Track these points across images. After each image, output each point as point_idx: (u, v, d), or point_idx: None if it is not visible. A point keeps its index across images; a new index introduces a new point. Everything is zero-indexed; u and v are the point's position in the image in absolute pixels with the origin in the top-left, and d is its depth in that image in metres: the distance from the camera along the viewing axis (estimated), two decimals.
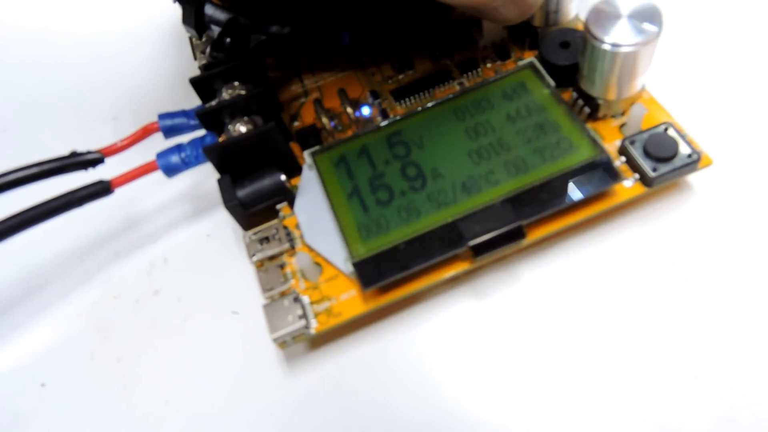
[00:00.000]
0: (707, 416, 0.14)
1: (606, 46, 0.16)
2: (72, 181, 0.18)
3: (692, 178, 0.18)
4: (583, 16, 0.20)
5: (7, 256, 0.19)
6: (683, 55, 0.21)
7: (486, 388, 0.16)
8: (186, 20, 0.21)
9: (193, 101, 0.20)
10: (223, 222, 0.20)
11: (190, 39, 0.23)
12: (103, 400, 0.18)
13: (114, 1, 0.29)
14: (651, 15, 0.15)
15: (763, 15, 0.21)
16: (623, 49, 0.15)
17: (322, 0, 0.19)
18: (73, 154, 0.18)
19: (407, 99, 0.20)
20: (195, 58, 0.22)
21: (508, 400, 0.16)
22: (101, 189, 0.18)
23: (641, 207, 0.18)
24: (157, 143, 0.19)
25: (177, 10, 0.21)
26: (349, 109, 0.20)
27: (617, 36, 0.16)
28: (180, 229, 0.21)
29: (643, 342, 0.16)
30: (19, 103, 0.26)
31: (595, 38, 0.16)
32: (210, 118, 0.18)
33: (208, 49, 0.22)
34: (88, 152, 0.18)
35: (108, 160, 0.19)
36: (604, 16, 0.16)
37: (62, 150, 0.19)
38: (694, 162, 0.16)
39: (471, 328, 0.17)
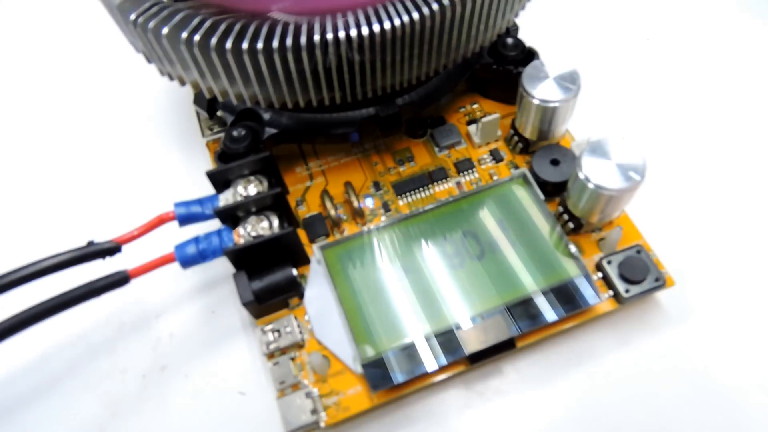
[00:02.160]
0: None
1: (592, 186, 0.18)
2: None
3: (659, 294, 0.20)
4: (573, 131, 0.23)
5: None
6: (654, 184, 0.23)
7: None
8: (198, 102, 0.22)
9: (195, 169, 0.21)
10: (227, 298, 0.22)
11: (198, 114, 0.23)
12: None
13: (113, 75, 0.28)
14: (637, 166, 0.18)
15: (721, 153, 0.24)
16: (609, 192, 0.18)
17: (339, 105, 0.20)
18: (90, 244, 0.19)
19: (408, 194, 0.22)
20: (203, 135, 0.23)
21: None
22: (120, 279, 0.19)
23: (612, 314, 0.20)
24: (169, 226, 0.20)
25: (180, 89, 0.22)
26: (354, 202, 0.21)
27: (605, 179, 0.18)
28: (185, 304, 0.22)
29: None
30: (22, 186, 0.25)
31: (587, 179, 0.18)
32: (226, 214, 0.19)
33: (215, 127, 0.23)
34: (105, 242, 0.19)
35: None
36: (596, 159, 0.18)
37: (76, 230, 0.20)
38: (660, 285, 0.19)
39: (461, 416, 0.19)
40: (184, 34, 0.16)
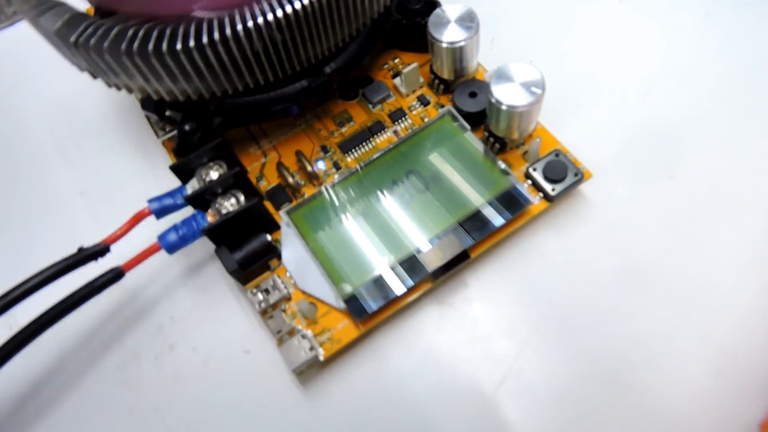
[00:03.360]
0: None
1: (504, 107, 0.21)
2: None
3: (581, 186, 0.24)
4: (484, 63, 0.25)
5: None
6: (560, 92, 0.26)
7: (458, 372, 0.21)
8: (146, 107, 0.24)
9: (157, 168, 0.23)
10: (215, 275, 0.24)
11: (147, 117, 0.25)
12: None
13: (62, 99, 0.29)
14: (536, 81, 0.21)
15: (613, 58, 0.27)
16: (519, 109, 0.21)
17: (273, 84, 0.22)
18: (81, 250, 0.21)
19: (353, 150, 0.24)
20: (158, 137, 0.25)
21: (476, 376, 0.21)
22: (116, 275, 0.21)
23: (546, 213, 0.23)
24: (148, 222, 0.23)
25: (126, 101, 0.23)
26: (308, 167, 0.23)
27: (514, 99, 0.21)
28: (178, 289, 0.24)
29: (568, 316, 0.22)
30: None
31: (499, 102, 0.21)
32: (196, 199, 0.21)
33: (167, 127, 0.25)
34: (95, 245, 0.21)
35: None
36: (503, 84, 0.21)
37: (36, 238, 0.22)
38: (579, 179, 0.22)
39: (439, 327, 0.22)
40: (124, 45, 0.18)
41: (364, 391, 0.21)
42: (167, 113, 0.24)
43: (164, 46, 0.18)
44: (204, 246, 0.23)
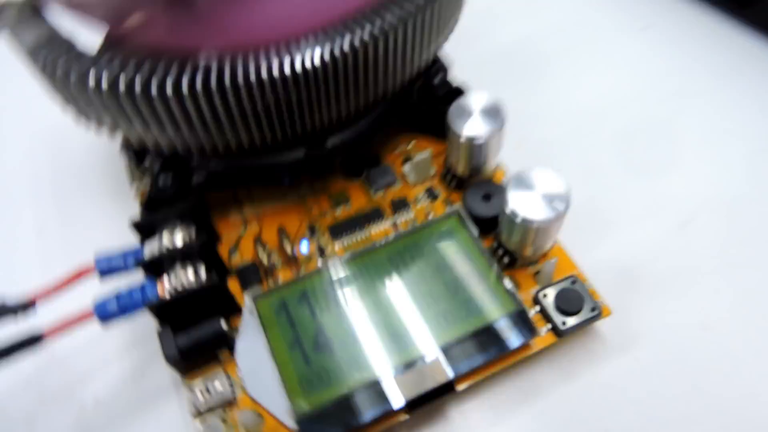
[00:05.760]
0: None
1: (519, 219, 0.18)
2: None
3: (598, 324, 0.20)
4: (506, 164, 0.23)
5: None
6: (587, 210, 0.23)
7: None
8: (125, 149, 0.21)
9: (125, 219, 0.21)
10: (157, 355, 0.20)
11: (127, 162, 0.23)
12: None
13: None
14: (561, 195, 0.18)
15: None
16: (536, 224, 0.18)
17: (266, 147, 0.20)
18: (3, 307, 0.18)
19: (344, 235, 0.21)
20: (131, 182, 0.22)
21: None
22: (32, 339, 0.17)
23: (553, 348, 0.20)
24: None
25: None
26: (288, 249, 0.20)
27: (532, 211, 0.18)
28: (112, 365, 0.20)
29: None
30: None
31: (514, 213, 0.18)
32: (150, 266, 0.18)
33: (144, 179, 0.22)
34: (18, 302, 0.18)
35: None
36: (521, 192, 0.18)
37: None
38: (596, 315, 0.19)
39: None
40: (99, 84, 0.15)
41: None
42: (146, 163, 0.22)
43: (168, 86, 0.15)
44: (149, 316, 0.20)
